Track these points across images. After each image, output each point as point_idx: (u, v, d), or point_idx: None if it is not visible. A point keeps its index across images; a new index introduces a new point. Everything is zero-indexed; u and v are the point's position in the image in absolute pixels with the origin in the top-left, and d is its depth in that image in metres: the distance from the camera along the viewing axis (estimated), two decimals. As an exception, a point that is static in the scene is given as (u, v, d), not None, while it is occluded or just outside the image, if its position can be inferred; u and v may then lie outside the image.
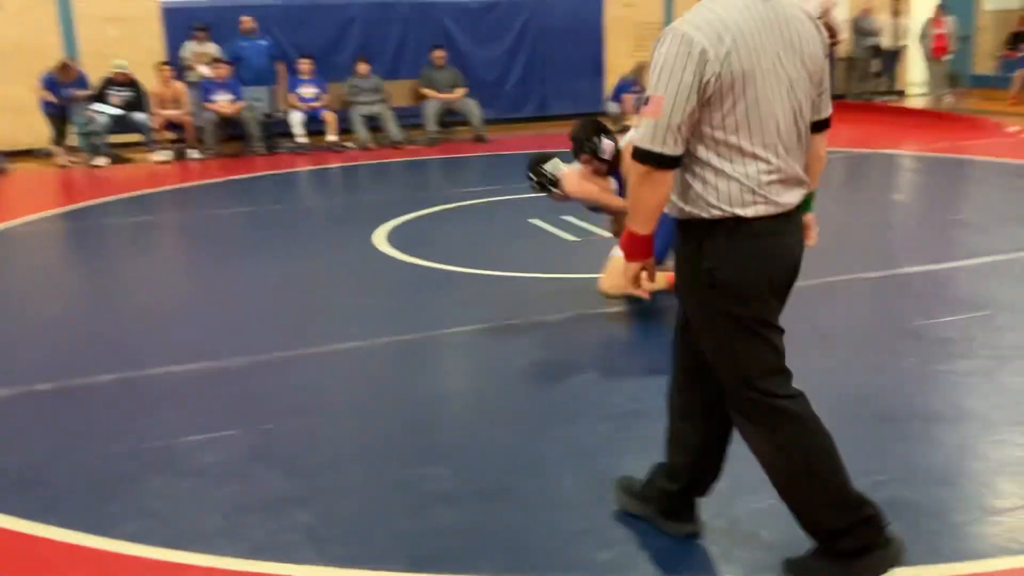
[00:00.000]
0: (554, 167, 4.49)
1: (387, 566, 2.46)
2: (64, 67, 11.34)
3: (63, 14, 12.56)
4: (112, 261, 6.65)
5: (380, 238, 6.32)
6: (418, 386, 3.79)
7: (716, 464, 2.48)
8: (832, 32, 14.90)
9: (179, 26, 12.72)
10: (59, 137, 11.53)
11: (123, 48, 12.61)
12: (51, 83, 11.35)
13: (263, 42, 12.25)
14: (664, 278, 4.27)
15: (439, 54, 12.40)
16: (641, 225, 2.22)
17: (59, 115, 11.46)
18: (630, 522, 2.60)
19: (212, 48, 12.17)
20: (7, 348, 4.47)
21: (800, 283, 2.31)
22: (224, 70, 11.49)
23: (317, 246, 6.53)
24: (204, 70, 11.77)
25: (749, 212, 2.15)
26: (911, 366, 3.80)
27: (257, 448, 3.23)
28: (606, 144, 4.32)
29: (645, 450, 2.77)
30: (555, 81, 14.69)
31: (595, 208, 4.59)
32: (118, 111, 11.23)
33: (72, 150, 11.68)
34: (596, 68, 14.63)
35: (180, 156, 11.51)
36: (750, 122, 2.12)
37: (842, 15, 15.23)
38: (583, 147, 4.33)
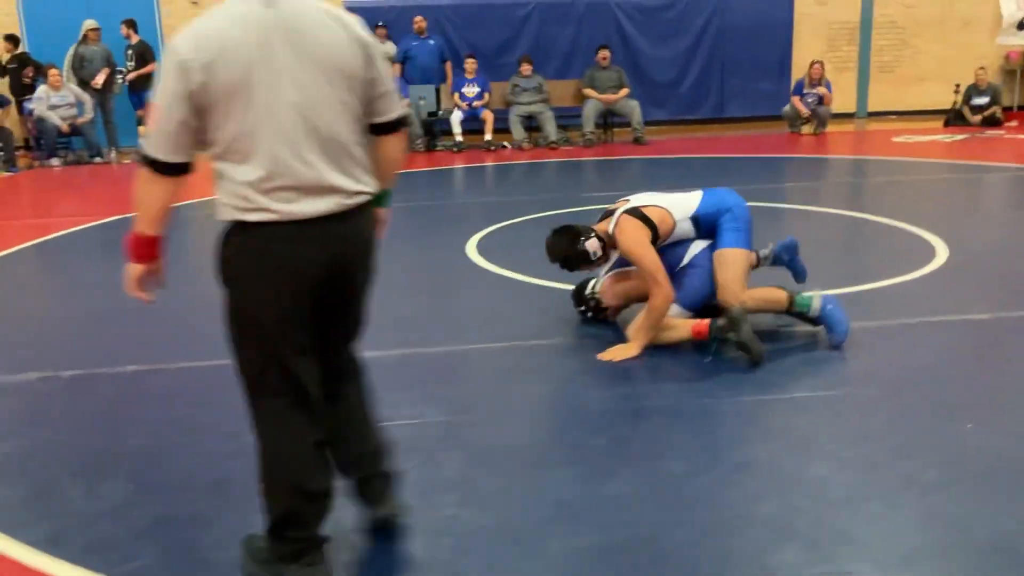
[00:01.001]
0: (592, 288, 4.35)
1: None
2: None
3: (255, 12, 13.30)
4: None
5: (472, 244, 6.16)
6: (425, 400, 3.55)
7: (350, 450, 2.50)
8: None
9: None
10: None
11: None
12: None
13: (432, 41, 12.43)
14: (689, 327, 3.94)
15: (603, 54, 12.09)
16: (146, 226, 2.24)
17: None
18: None
19: (391, 47, 12.49)
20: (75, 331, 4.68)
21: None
22: (390, 69, 11.73)
23: (414, 248, 6.46)
24: (376, 68, 12.08)
25: (252, 218, 2.15)
26: None
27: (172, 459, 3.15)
28: (591, 245, 4.01)
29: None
30: (734, 82, 14.01)
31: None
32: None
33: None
34: (782, 69, 13.84)
35: (346, 150, 11.89)
36: (251, 131, 2.11)
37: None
38: (575, 264, 4.10)
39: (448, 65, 12.47)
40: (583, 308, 4.39)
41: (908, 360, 3.83)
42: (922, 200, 7.89)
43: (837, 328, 3.94)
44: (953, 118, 12.64)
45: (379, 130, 2.35)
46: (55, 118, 11.26)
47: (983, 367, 3.78)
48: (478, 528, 2.61)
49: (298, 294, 2.21)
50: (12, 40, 12.09)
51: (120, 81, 12.13)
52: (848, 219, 6.87)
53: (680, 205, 4.11)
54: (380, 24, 12.55)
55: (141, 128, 11.62)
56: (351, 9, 13.01)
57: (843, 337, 3.93)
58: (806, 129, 12.34)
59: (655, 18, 13.73)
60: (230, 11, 2.12)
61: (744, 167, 9.80)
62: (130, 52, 12.14)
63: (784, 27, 14.01)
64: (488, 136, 11.70)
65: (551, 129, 11.67)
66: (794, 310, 4.00)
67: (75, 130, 11.41)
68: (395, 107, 2.36)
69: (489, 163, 10.81)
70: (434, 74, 12.37)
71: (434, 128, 12.31)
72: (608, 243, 4.06)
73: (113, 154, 11.81)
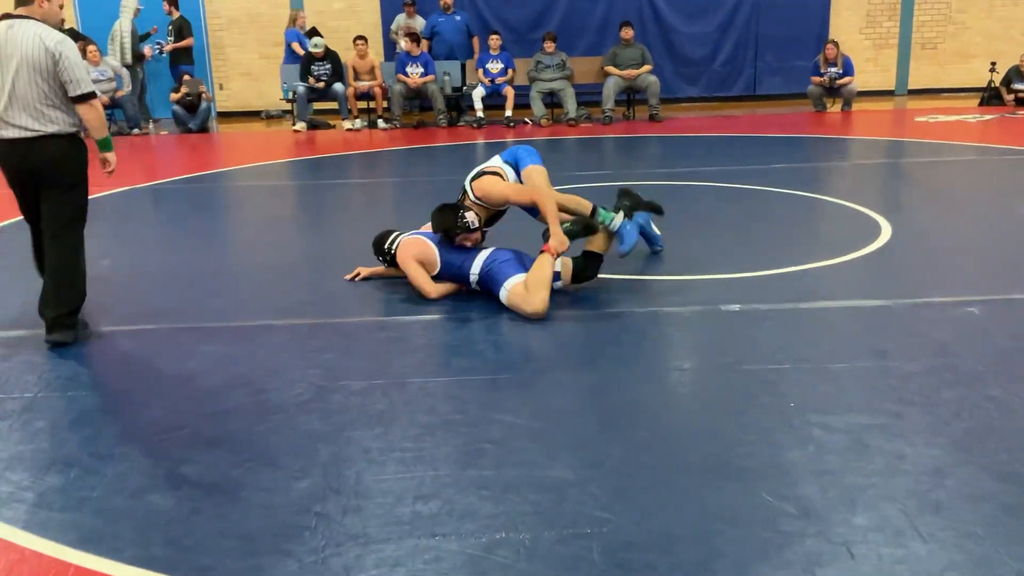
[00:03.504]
0: (391, 243, 4.80)
1: None
2: (294, 19, 12.54)
3: (293, -14, 13.67)
4: (187, 220, 7.28)
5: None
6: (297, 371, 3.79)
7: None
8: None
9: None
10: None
11: (345, 20, 13.56)
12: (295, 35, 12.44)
13: (458, 17, 12.60)
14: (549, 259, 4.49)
15: (626, 32, 12.08)
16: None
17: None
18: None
19: (420, 22, 12.72)
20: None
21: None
22: (412, 45, 11.92)
23: (363, 225, 6.66)
24: (403, 44, 12.35)
25: None
26: None
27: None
28: (471, 217, 4.55)
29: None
30: (769, 59, 13.82)
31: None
32: (318, 84, 12.02)
33: (272, 118, 12.76)
34: (819, 45, 13.54)
35: (372, 125, 12.20)
36: None
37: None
38: (456, 232, 4.52)
39: (476, 40, 12.64)
40: (381, 257, 4.86)
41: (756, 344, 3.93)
42: (893, 183, 7.85)
43: (624, 241, 4.68)
44: (988, 97, 12.28)
45: (73, 101, 4.03)
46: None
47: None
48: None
49: (11, 180, 4.15)
50: (57, 17, 12.71)
51: (158, 53, 12.65)
52: (804, 200, 6.85)
53: (494, 160, 4.85)
54: (407, 2, 12.77)
55: (173, 95, 12.14)
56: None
57: (627, 250, 4.69)
58: (832, 108, 12.17)
59: (689, -6, 13.62)
60: None
61: (745, 145, 9.76)
62: (170, 27, 12.65)
63: (821, 2, 13.75)
64: (508, 112, 11.85)
65: (571, 106, 11.76)
66: (596, 218, 4.63)
67: (115, 103, 11.95)
68: (76, 89, 4.00)
69: (500, 139, 10.93)
70: (460, 49, 12.55)
71: (461, 103, 12.52)
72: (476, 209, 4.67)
73: (151, 125, 12.36)
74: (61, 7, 4.25)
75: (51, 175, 4.07)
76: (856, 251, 5.23)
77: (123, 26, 12.29)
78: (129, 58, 12.24)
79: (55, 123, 4.03)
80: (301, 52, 12.26)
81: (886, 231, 5.64)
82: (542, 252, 4.40)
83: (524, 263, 4.48)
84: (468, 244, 4.55)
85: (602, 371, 3.67)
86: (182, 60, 12.65)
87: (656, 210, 4.99)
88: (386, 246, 4.80)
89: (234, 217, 7.56)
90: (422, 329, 4.23)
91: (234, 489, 2.78)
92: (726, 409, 3.27)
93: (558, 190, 4.85)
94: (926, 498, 2.62)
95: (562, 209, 4.60)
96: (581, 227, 4.56)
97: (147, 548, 2.49)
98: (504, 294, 4.36)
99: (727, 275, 4.81)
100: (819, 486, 2.70)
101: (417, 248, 4.60)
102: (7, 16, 4.08)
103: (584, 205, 4.69)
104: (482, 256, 4.51)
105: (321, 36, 12.37)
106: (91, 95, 4.07)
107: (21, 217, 4.34)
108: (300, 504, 2.69)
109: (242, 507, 2.68)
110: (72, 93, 4.01)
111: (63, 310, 4.09)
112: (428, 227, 4.75)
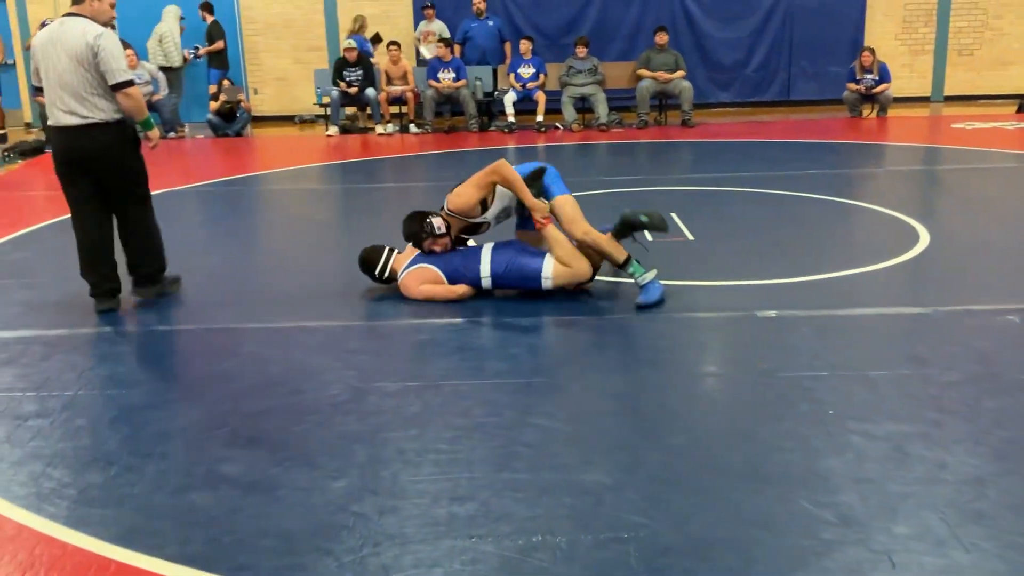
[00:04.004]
0: (383, 269, 4.76)
1: None
2: (359, 25, 12.66)
3: (328, -7, 13.78)
4: (218, 221, 7.34)
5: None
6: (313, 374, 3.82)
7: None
8: None
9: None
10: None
11: (378, 25, 13.62)
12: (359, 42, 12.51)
13: (491, 22, 12.62)
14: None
15: (661, 37, 12.05)
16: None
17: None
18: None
19: (439, 25, 12.74)
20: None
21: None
22: (444, 50, 11.95)
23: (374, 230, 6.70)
24: (425, 50, 12.37)
25: (50, 122, 4.50)
26: None
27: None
28: (437, 222, 4.56)
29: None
30: (803, 64, 13.73)
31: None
32: (351, 90, 12.06)
33: (305, 122, 12.83)
34: (854, 51, 13.44)
35: (404, 130, 12.24)
36: (47, 83, 4.44)
37: None
38: (423, 237, 4.58)
39: (508, 45, 12.66)
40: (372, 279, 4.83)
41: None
42: (931, 189, 7.76)
43: (648, 294, 4.40)
44: (1026, 104, 12.12)
45: (112, 88, 4.39)
46: (133, 95, 11.95)
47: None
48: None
49: (63, 166, 4.49)
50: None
51: (194, 57, 12.80)
52: (840, 206, 6.79)
53: None
54: (427, 5, 12.78)
55: (213, 104, 12.26)
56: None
57: (644, 304, 4.37)
58: (867, 113, 12.06)
59: (722, -1, 13.56)
60: (48, 26, 4.52)
61: (779, 151, 9.68)
62: (207, 33, 12.81)
63: (856, 7, 13.62)
64: (540, 117, 11.85)
65: (603, 111, 11.73)
66: (626, 268, 4.47)
67: (151, 107, 12.08)
68: (113, 78, 4.35)
69: (531, 144, 10.93)
70: (493, 55, 12.58)
71: (492, 108, 12.53)
72: (447, 219, 4.62)
73: (187, 129, 12.50)
74: (112, 6, 4.52)
75: (104, 163, 4.46)
76: (894, 258, 5.18)
77: (172, 29, 12.46)
78: (179, 60, 12.42)
79: (102, 111, 4.41)
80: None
81: (924, 238, 5.58)
82: (541, 229, 4.51)
83: (532, 249, 4.59)
84: (437, 249, 4.57)
85: (637, 376, 3.66)
86: (215, 64, 12.78)
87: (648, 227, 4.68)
88: (377, 272, 4.74)
89: (269, 220, 7.63)
90: (455, 332, 4.24)
91: (272, 488, 2.80)
92: (763, 415, 3.25)
93: (581, 195, 4.85)
94: (968, 507, 2.59)
95: (596, 249, 4.49)
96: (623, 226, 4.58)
97: (187, 545, 2.52)
98: (548, 283, 4.49)
99: (763, 281, 4.79)
100: (859, 494, 2.67)
101: (419, 276, 4.60)
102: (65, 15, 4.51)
103: (618, 249, 4.49)
104: (485, 257, 4.54)
105: (381, 40, 12.42)
106: (127, 83, 4.40)
107: (59, 218, 4.43)
108: (338, 504, 2.70)
109: (280, 506, 2.70)
110: (110, 82, 4.37)
111: (152, 268, 4.72)
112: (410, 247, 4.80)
